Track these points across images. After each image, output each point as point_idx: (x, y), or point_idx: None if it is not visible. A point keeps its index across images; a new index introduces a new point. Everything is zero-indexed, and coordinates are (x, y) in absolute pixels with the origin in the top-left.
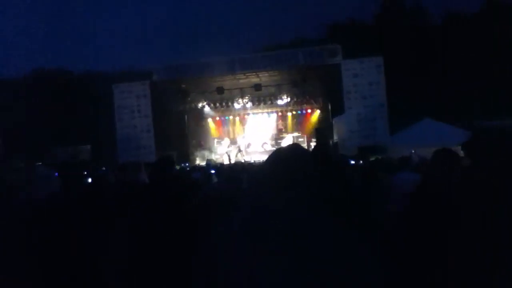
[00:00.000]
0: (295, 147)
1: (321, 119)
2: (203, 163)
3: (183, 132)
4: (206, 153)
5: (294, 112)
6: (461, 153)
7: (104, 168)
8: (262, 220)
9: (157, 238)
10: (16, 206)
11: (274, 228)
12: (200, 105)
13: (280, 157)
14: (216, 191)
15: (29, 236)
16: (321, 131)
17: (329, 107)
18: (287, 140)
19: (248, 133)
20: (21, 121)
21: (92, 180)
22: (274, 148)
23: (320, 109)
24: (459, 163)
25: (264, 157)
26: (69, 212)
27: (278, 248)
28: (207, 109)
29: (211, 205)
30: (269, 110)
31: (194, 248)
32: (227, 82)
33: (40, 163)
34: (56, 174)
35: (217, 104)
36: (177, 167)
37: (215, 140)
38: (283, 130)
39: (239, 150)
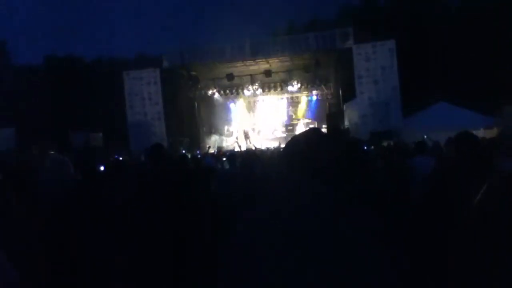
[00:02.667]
0: (314, 133)
1: (332, 105)
2: (214, 150)
3: (194, 119)
4: (217, 139)
5: (304, 98)
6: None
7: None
8: (286, 215)
9: (159, 236)
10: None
11: (298, 221)
12: (210, 91)
13: (298, 144)
14: (231, 179)
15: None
16: (332, 117)
17: (340, 92)
18: (300, 128)
19: (259, 119)
20: (33, 108)
21: (105, 168)
22: (285, 135)
23: (331, 95)
24: (478, 146)
25: (275, 144)
26: (82, 207)
27: (303, 243)
28: (217, 95)
29: (227, 195)
30: (280, 96)
31: (208, 245)
32: (237, 68)
33: (53, 152)
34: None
35: (227, 91)
36: (189, 155)
37: (225, 127)
38: (294, 116)
39: (246, 136)
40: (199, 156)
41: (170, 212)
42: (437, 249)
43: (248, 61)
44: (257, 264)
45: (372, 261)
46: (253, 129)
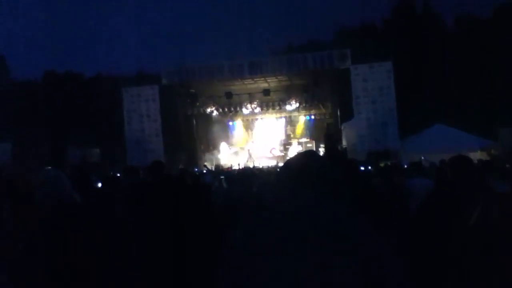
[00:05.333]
0: (311, 152)
1: (330, 125)
2: (212, 167)
3: (192, 137)
4: (215, 157)
5: (302, 118)
6: (475, 160)
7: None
8: (286, 225)
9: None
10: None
11: (302, 229)
12: (208, 109)
13: (298, 161)
14: (229, 195)
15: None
16: (330, 137)
17: (338, 112)
18: (294, 147)
19: (257, 138)
20: (31, 123)
21: (102, 184)
22: (282, 154)
23: (329, 114)
24: (472, 168)
25: (272, 162)
26: (83, 219)
27: (308, 248)
28: (215, 113)
29: (229, 210)
30: (278, 115)
31: (212, 253)
32: (236, 87)
33: (50, 167)
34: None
35: (226, 109)
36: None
37: (223, 145)
38: (292, 135)
39: (249, 155)
40: (197, 173)
41: (170, 225)
42: (436, 265)
43: (247, 80)
44: (257, 273)
45: (372, 270)
46: (252, 148)
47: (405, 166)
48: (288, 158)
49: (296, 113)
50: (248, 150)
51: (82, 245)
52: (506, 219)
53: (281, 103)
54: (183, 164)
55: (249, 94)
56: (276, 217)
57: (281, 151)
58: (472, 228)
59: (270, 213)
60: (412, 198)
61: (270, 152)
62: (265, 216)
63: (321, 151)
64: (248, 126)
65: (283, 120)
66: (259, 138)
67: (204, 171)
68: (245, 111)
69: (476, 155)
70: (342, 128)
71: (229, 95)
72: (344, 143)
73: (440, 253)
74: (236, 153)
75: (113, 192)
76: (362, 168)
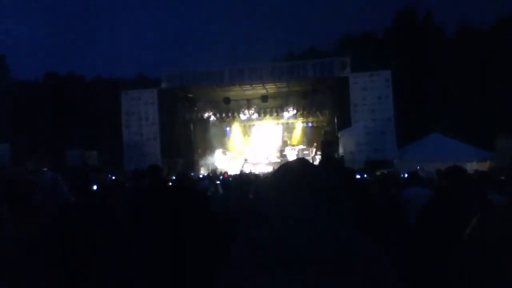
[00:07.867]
0: (303, 160)
1: (327, 132)
2: (208, 173)
3: (189, 141)
4: (211, 162)
5: (300, 124)
6: (470, 170)
7: (110, 176)
8: (290, 232)
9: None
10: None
11: (302, 239)
12: (206, 114)
13: (294, 169)
14: (229, 202)
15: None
16: (329, 144)
17: (335, 120)
18: (291, 154)
19: (253, 144)
20: (30, 124)
21: (100, 187)
22: (279, 160)
23: (326, 122)
24: (468, 178)
25: (269, 169)
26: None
27: (306, 258)
28: (213, 118)
29: (227, 215)
30: (275, 122)
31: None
32: (234, 92)
33: (46, 169)
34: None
35: (223, 114)
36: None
37: (220, 150)
38: (289, 142)
39: (246, 161)
40: (194, 178)
41: (171, 225)
42: (434, 275)
43: (245, 86)
44: (257, 274)
45: (372, 275)
46: (249, 154)
47: (405, 175)
48: (281, 165)
49: (293, 120)
50: (245, 156)
51: (82, 245)
52: (503, 230)
53: (278, 109)
54: (180, 168)
55: (247, 100)
56: (275, 224)
57: (277, 157)
58: (469, 236)
59: (270, 221)
60: (409, 206)
61: (267, 158)
62: (264, 224)
63: (318, 158)
64: (246, 132)
65: (281, 126)
66: (256, 144)
67: (201, 176)
68: (242, 116)
69: (474, 166)
70: (339, 135)
71: (227, 100)
72: (341, 151)
73: (439, 256)
74: (232, 158)
75: (113, 193)
76: (358, 176)
